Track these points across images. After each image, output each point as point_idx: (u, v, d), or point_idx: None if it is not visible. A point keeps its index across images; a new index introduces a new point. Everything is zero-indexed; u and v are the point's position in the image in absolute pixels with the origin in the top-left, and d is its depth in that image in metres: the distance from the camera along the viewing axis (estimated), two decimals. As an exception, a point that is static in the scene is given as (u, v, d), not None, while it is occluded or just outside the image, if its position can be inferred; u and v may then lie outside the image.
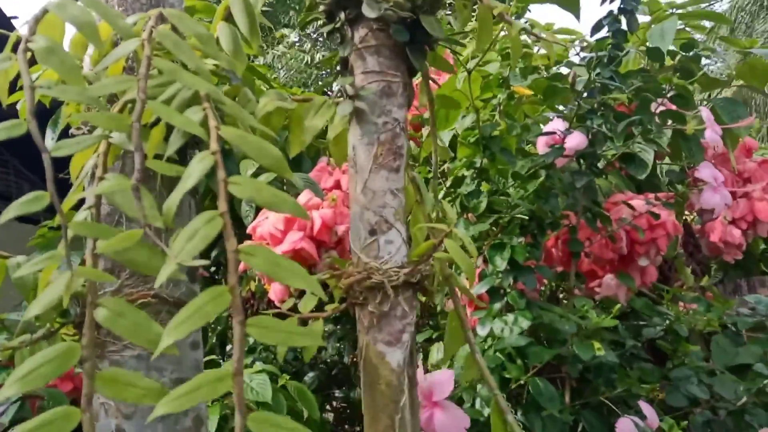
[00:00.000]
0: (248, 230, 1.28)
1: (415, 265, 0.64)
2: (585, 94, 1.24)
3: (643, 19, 1.53)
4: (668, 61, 1.34)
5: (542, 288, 1.38)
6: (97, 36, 0.51)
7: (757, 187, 1.62)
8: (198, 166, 0.49)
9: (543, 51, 1.62)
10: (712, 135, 1.22)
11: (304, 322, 0.69)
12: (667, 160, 1.58)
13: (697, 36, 1.72)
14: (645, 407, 0.98)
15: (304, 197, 1.30)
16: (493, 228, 1.25)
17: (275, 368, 1.20)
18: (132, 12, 0.75)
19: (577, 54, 1.65)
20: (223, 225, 0.47)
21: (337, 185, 1.44)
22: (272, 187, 0.50)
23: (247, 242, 1.27)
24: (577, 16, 1.25)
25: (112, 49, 0.58)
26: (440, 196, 1.35)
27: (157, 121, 0.54)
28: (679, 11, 1.55)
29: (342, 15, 0.67)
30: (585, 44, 1.67)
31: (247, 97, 0.75)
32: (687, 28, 1.59)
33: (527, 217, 1.21)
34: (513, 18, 0.67)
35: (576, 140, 1.22)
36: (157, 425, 0.65)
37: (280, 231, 1.28)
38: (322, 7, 0.69)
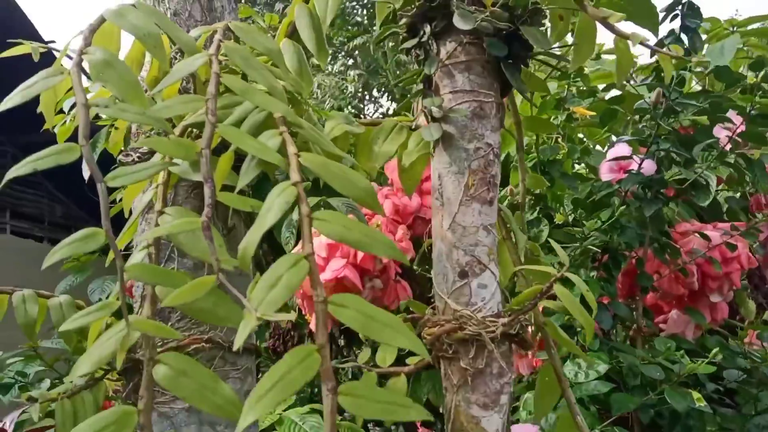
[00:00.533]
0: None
1: (516, 314, 0.55)
2: (649, 117, 1.15)
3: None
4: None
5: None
6: (161, 48, 0.44)
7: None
8: (278, 199, 0.41)
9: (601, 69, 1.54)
10: None
11: (382, 376, 0.60)
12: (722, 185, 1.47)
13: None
14: None
15: None
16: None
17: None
18: (186, 29, 0.69)
19: (632, 76, 1.57)
20: (309, 269, 0.39)
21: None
22: (363, 224, 0.42)
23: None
24: (656, 33, 1.16)
25: (170, 68, 0.50)
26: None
27: (223, 148, 0.46)
28: (740, 29, 1.45)
29: (427, 28, 0.59)
30: (637, 66, 1.58)
31: (312, 120, 0.68)
32: (745, 47, 1.49)
33: (600, 250, 1.11)
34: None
35: (648, 166, 1.13)
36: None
37: (323, 258, 1.22)
38: (404, 20, 0.61)
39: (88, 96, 0.41)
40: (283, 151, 0.44)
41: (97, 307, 0.40)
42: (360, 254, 1.21)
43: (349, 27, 7.94)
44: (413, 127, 0.67)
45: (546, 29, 0.64)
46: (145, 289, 0.48)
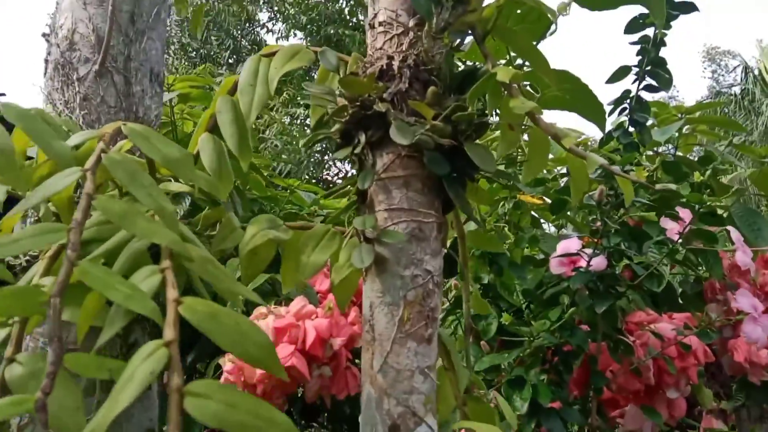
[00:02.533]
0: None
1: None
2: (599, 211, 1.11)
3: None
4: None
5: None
6: (11, 168, 0.36)
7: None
8: (145, 367, 0.32)
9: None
10: (743, 258, 1.07)
11: None
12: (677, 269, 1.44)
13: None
14: None
15: (297, 305, 1.14)
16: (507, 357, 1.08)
17: None
18: (99, 119, 0.61)
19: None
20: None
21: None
22: (253, 400, 0.33)
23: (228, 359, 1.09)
24: (603, 128, 1.13)
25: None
26: (440, 316, 1.19)
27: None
28: (688, 116, 1.46)
29: (363, 136, 0.52)
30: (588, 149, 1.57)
31: (232, 225, 0.60)
32: (695, 134, 1.49)
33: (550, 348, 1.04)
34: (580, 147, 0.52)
35: (598, 261, 1.07)
36: None
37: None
38: (336, 126, 0.54)
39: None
40: (161, 295, 0.36)
41: None
42: (310, 339, 1.12)
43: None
44: (342, 233, 0.59)
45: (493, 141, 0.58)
46: None
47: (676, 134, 1.35)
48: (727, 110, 12.85)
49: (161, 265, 0.38)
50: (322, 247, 0.59)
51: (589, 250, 1.09)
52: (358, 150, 0.52)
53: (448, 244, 0.60)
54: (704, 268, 1.36)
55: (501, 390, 1.04)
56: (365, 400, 0.51)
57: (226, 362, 1.10)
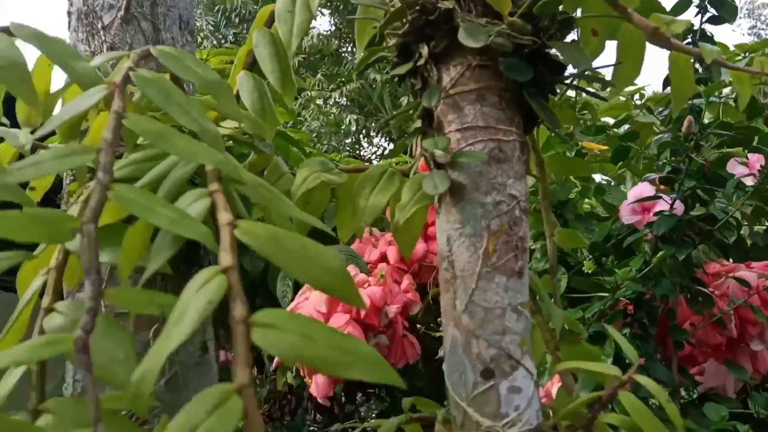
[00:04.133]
0: None
1: (568, 429, 0.39)
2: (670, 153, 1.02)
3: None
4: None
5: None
6: (26, 84, 0.30)
7: None
8: (200, 297, 0.26)
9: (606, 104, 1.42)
10: None
11: None
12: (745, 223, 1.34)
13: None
14: None
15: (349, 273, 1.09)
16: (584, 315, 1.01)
17: None
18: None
19: (639, 110, 1.45)
20: (242, 413, 0.23)
21: (383, 258, 1.25)
22: (333, 331, 0.27)
23: None
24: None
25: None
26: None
27: (132, 220, 0.32)
28: (752, 54, 1.34)
29: (425, 49, 0.45)
30: (644, 99, 1.47)
31: (280, 170, 0.54)
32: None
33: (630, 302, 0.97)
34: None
35: (679, 207, 0.99)
36: None
37: (323, 314, 1.10)
38: (392, 40, 0.47)
39: None
40: (211, 221, 0.30)
41: None
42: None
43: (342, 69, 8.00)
44: (409, 172, 0.52)
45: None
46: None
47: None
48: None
49: (209, 189, 0.32)
50: (380, 188, 0.52)
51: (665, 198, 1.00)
52: (420, 63, 0.45)
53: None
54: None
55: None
56: (449, 345, 0.45)
57: None
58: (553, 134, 1.19)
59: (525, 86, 0.44)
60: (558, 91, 0.47)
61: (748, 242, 1.30)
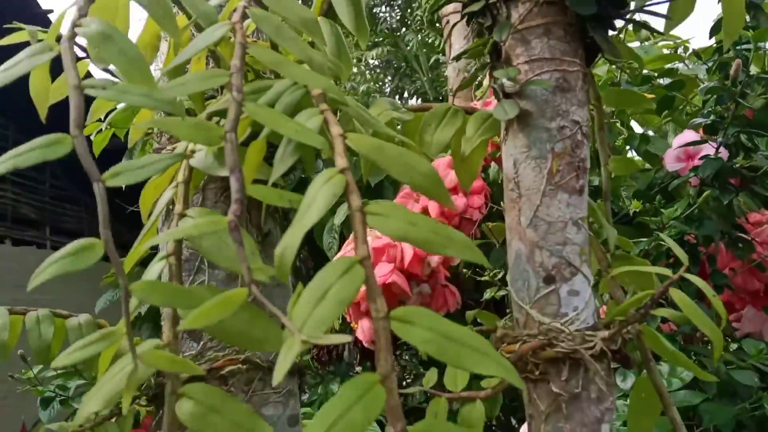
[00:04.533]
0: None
1: (619, 327, 0.45)
2: (716, 101, 1.03)
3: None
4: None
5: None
6: (173, 22, 0.36)
7: None
8: (323, 190, 0.32)
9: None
10: None
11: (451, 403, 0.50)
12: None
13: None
14: None
15: None
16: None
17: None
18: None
19: (683, 62, 1.45)
20: (364, 277, 0.30)
21: (425, 212, 1.28)
22: (431, 219, 0.33)
23: None
24: None
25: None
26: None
27: (251, 138, 0.38)
28: None
29: (494, -13, 0.50)
30: (689, 51, 1.46)
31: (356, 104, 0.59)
32: None
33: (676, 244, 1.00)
34: None
35: (724, 153, 1.01)
36: None
37: None
38: (464, -19, 0.52)
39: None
40: (324, 132, 0.36)
41: (98, 335, 0.32)
42: (408, 257, 1.13)
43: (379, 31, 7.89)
44: (467, 111, 0.57)
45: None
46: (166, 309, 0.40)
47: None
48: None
49: (320, 108, 0.38)
50: (445, 123, 0.57)
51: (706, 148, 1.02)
52: (491, 1, 0.50)
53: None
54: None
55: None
56: (513, 257, 0.50)
57: None
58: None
59: (588, 20, 0.48)
60: (617, 26, 0.51)
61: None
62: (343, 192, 0.32)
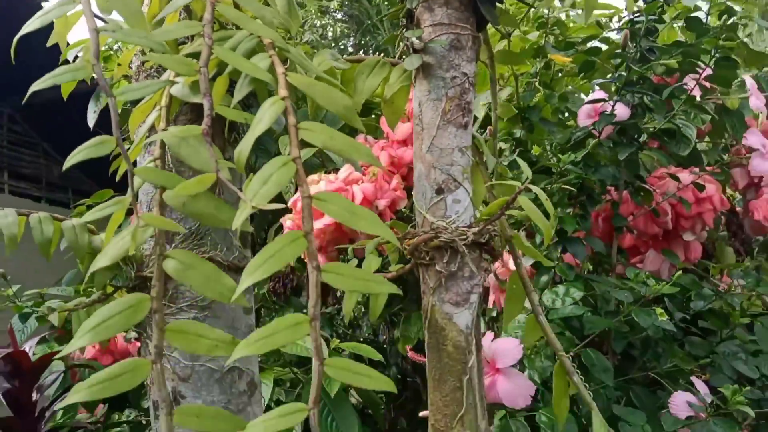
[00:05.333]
0: (289, 204, 1.27)
1: (485, 224, 0.62)
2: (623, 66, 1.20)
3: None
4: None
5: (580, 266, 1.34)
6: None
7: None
8: (269, 110, 0.47)
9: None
10: (756, 103, 1.16)
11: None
12: (707, 139, 1.51)
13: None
14: (698, 383, 0.94)
15: (344, 172, 1.29)
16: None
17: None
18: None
19: (615, 30, 1.61)
20: (296, 170, 0.45)
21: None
22: (346, 136, 0.48)
23: (288, 216, 1.27)
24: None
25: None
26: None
27: (218, 74, 0.52)
28: None
29: (408, -35, 0.65)
30: (622, 20, 1.61)
31: (302, 54, 0.74)
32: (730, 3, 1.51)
33: (574, 189, 1.17)
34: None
35: (621, 111, 1.18)
36: (213, 387, 0.64)
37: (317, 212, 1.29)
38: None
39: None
40: (272, 71, 0.50)
41: (112, 202, 0.47)
42: (357, 201, 1.27)
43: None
44: (392, 63, 0.72)
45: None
46: (152, 198, 0.54)
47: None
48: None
49: (269, 53, 0.52)
50: (374, 73, 0.72)
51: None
52: (406, -24, 0.64)
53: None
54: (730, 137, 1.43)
55: (531, 224, 1.18)
56: (416, 177, 0.66)
57: (287, 221, 1.27)
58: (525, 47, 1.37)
59: (477, -5, 0.63)
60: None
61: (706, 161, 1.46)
62: (283, 112, 0.47)
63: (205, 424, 0.45)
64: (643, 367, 1.15)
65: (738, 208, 1.58)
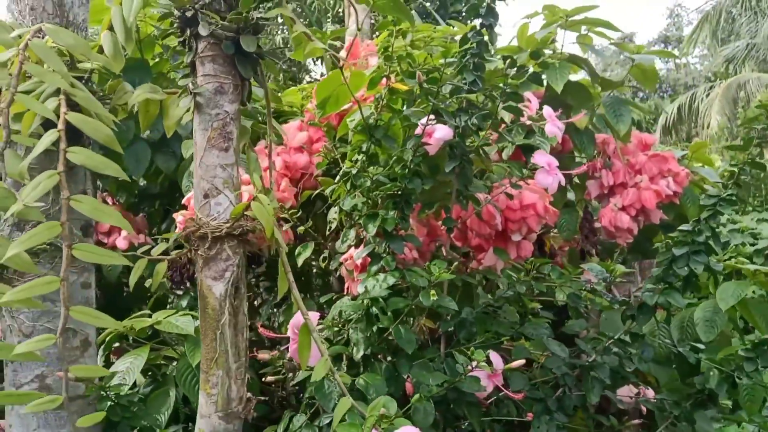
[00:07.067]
0: (184, 201, 1.46)
1: (233, 221, 0.86)
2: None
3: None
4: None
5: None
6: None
7: (644, 178, 1.83)
8: (47, 138, 0.70)
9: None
10: (551, 129, 1.42)
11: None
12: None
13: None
14: (493, 355, 1.21)
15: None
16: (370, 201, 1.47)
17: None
18: (40, 21, 0.97)
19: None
20: (58, 181, 0.68)
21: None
22: (102, 156, 0.71)
23: (181, 211, 1.48)
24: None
25: None
26: (337, 178, 1.56)
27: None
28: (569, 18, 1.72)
29: (188, 31, 0.89)
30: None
31: (125, 89, 0.97)
32: (591, 34, 1.73)
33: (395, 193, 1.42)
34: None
35: (442, 132, 1.43)
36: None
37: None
38: (176, 24, 0.90)
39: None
40: (57, 111, 0.73)
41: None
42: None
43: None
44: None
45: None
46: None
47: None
48: (732, 11, 12.80)
49: (58, 98, 0.75)
50: (180, 104, 0.96)
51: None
52: (187, 38, 0.88)
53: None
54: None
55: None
56: (194, 186, 0.90)
57: (179, 216, 1.48)
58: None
59: (236, 55, 0.88)
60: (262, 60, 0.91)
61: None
62: (56, 140, 0.71)
63: None
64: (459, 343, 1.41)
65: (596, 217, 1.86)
